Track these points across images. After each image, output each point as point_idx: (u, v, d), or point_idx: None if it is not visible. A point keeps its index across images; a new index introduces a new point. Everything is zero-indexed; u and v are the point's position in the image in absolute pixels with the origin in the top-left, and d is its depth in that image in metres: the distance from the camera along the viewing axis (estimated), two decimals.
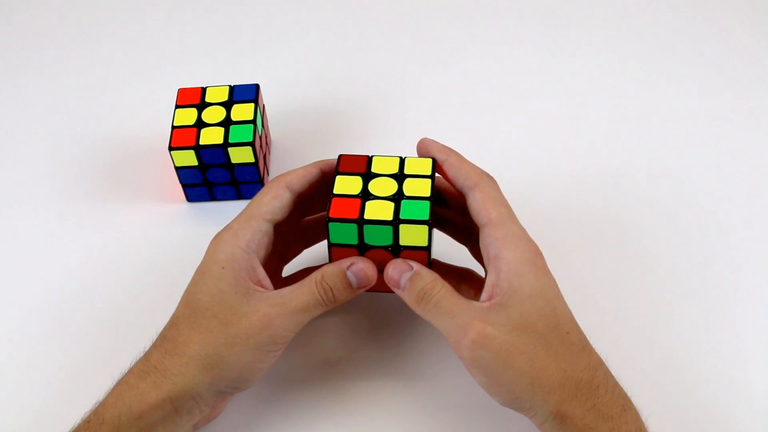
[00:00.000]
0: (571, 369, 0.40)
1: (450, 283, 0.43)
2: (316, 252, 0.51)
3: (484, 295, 0.42)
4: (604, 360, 0.42)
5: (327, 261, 0.45)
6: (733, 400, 0.48)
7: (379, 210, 0.43)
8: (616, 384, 0.41)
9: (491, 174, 0.45)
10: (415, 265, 0.43)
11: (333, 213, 0.43)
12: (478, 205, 0.43)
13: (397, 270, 0.43)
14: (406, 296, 0.43)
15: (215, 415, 0.46)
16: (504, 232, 0.42)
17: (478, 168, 0.45)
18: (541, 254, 0.43)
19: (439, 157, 0.46)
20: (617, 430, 0.40)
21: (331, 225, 0.43)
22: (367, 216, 0.43)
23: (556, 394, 0.40)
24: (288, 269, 0.51)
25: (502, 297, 0.41)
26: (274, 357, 0.43)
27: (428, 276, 0.43)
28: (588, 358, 0.41)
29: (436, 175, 0.46)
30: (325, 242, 0.45)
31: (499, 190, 0.45)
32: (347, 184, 0.45)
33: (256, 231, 0.44)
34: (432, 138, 0.47)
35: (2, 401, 0.49)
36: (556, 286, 0.43)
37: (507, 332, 0.40)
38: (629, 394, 0.42)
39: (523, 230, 0.43)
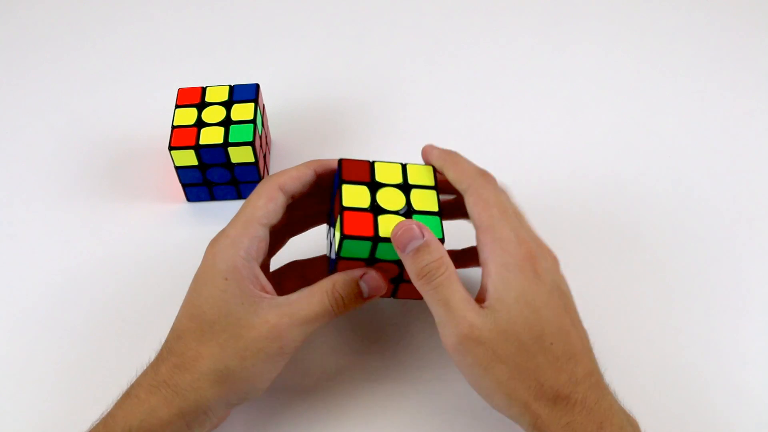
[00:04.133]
0: (550, 383, 0.40)
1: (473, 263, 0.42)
2: (301, 240, 0.50)
3: (477, 297, 0.42)
4: (603, 364, 0.42)
5: (310, 250, 0.45)
6: (733, 404, 0.47)
7: (393, 227, 0.42)
8: (599, 398, 0.40)
9: (491, 172, 0.45)
10: (427, 234, 0.41)
11: (348, 230, 0.42)
12: (471, 209, 0.43)
13: (406, 234, 0.41)
14: (408, 264, 0.42)
15: (219, 423, 0.46)
16: (492, 236, 0.42)
17: (473, 168, 0.44)
18: (532, 258, 0.41)
19: (437, 164, 0.45)
20: None
21: (345, 242, 0.42)
22: (381, 234, 0.42)
23: (531, 408, 0.39)
24: (274, 262, 0.51)
25: (489, 302, 0.40)
26: (281, 365, 0.43)
27: (437, 252, 0.41)
28: (572, 370, 0.40)
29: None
30: (307, 232, 0.44)
31: (493, 190, 0.44)
32: (355, 195, 0.44)
33: (254, 237, 0.43)
34: (430, 142, 0.46)
35: (0, 402, 0.49)
36: (548, 292, 0.41)
37: (492, 338, 0.40)
38: (627, 397, 0.41)
39: (516, 232, 0.42)
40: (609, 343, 0.44)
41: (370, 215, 0.43)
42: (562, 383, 0.40)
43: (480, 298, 0.41)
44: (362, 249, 0.43)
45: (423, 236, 0.41)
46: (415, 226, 0.42)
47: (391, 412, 0.48)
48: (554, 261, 0.43)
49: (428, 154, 0.46)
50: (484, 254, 0.42)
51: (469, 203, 0.43)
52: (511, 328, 0.40)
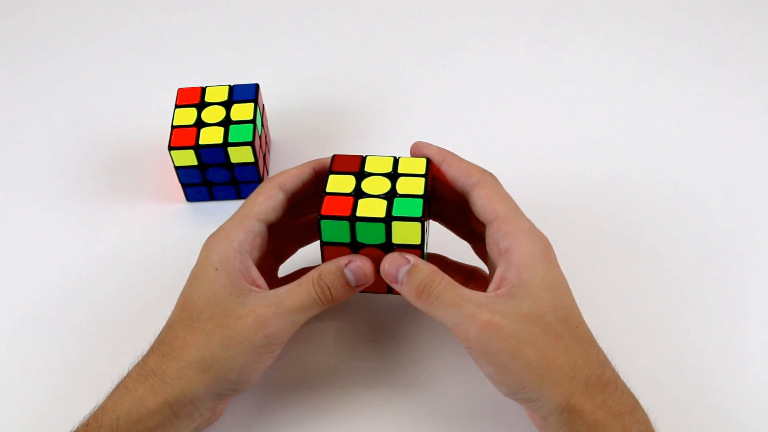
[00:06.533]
0: (581, 364, 0.40)
1: (457, 280, 0.42)
2: (312, 251, 0.51)
3: (491, 287, 0.42)
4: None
5: (319, 258, 0.45)
6: (738, 400, 0.47)
7: (371, 207, 0.43)
8: (624, 383, 0.41)
9: (491, 171, 0.45)
10: (412, 258, 0.42)
11: (325, 210, 0.43)
12: (483, 201, 0.43)
13: (393, 264, 0.42)
14: (405, 290, 0.42)
15: (215, 417, 0.46)
16: (514, 225, 0.42)
17: (478, 166, 0.45)
18: (551, 247, 0.43)
19: (437, 158, 0.46)
20: (628, 428, 0.39)
21: (323, 222, 0.43)
22: (359, 213, 0.43)
23: (564, 386, 0.39)
24: (284, 269, 0.51)
25: (510, 288, 0.41)
26: (271, 358, 0.43)
27: (426, 268, 0.42)
28: (597, 354, 0.41)
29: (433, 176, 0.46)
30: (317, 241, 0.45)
31: (502, 186, 0.45)
32: (340, 183, 0.44)
33: (249, 231, 0.44)
34: (426, 141, 0.47)
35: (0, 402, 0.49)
36: (566, 280, 0.42)
37: (516, 322, 0.39)
38: (635, 394, 0.42)
39: (532, 224, 0.43)
40: (611, 342, 0.43)
41: (350, 198, 0.43)
42: (593, 364, 0.40)
43: (497, 286, 0.41)
44: (341, 231, 0.43)
45: (408, 261, 0.42)
46: (397, 255, 0.42)
47: (389, 412, 0.48)
48: None
49: (423, 149, 0.46)
50: (506, 242, 0.42)
51: (481, 196, 0.43)
52: (536, 311, 0.40)
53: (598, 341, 0.42)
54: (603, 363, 0.41)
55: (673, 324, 0.51)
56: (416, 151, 0.47)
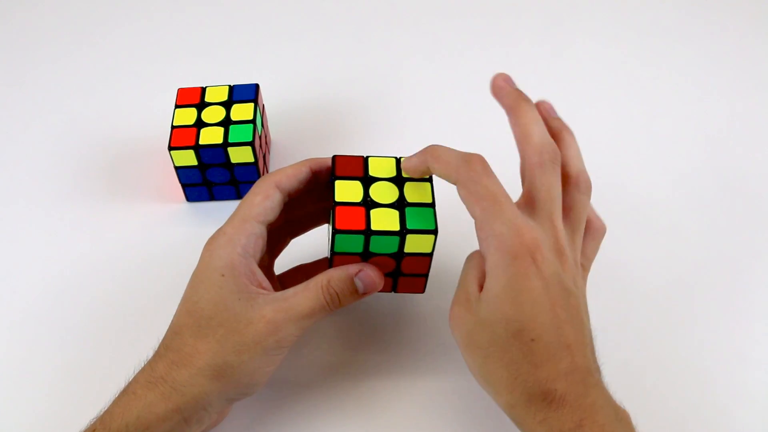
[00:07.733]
0: (524, 378, 0.39)
1: None
2: (302, 243, 0.51)
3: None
4: (600, 362, 0.41)
5: (314, 253, 0.45)
6: (733, 402, 0.47)
7: (385, 220, 0.43)
8: (582, 395, 0.39)
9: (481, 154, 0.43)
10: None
11: (340, 224, 0.43)
12: (464, 203, 0.42)
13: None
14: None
15: (220, 419, 0.46)
16: (486, 231, 0.40)
17: (455, 158, 0.42)
18: (527, 254, 0.39)
19: (422, 168, 0.44)
20: None
21: (337, 236, 0.43)
22: (374, 227, 0.43)
23: (504, 397, 0.40)
24: (277, 262, 0.51)
25: (482, 293, 0.41)
26: (279, 360, 0.44)
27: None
28: (552, 369, 0.39)
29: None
30: (309, 233, 0.45)
31: (481, 179, 0.41)
32: (348, 190, 0.44)
33: (251, 235, 0.44)
34: (412, 150, 0.45)
35: (0, 400, 0.49)
36: (543, 287, 0.39)
37: (471, 322, 0.41)
38: (625, 396, 0.41)
39: (511, 224, 0.40)
40: (604, 344, 0.44)
41: (362, 209, 0.43)
42: (540, 380, 0.39)
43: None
44: (355, 243, 0.43)
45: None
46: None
47: (389, 406, 0.48)
48: (560, 251, 0.42)
49: (408, 168, 0.45)
50: (482, 249, 0.42)
51: (461, 197, 0.42)
52: (488, 319, 0.40)
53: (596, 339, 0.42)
54: (556, 378, 0.39)
55: (669, 324, 0.51)
56: (409, 172, 0.45)
